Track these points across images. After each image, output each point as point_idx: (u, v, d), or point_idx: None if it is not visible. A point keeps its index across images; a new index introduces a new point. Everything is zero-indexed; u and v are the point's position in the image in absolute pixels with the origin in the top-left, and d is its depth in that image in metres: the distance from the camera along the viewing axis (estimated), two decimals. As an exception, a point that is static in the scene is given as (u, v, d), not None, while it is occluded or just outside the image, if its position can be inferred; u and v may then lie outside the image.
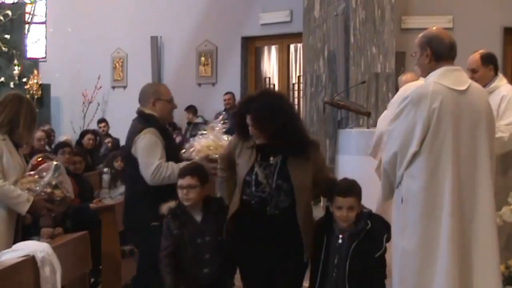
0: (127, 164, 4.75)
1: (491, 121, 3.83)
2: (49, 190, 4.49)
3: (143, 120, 4.51)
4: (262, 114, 3.90)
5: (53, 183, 4.50)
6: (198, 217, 4.15)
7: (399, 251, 3.74)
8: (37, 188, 4.45)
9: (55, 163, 4.62)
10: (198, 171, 4.20)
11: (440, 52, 3.78)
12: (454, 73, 3.77)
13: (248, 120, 3.96)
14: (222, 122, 4.69)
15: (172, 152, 4.53)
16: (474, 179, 3.67)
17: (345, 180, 4.07)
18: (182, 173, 4.19)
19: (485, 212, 3.67)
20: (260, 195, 3.93)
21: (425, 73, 3.87)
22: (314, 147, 4.06)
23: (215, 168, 4.34)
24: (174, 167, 4.35)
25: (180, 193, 4.12)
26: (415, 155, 3.65)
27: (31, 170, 4.58)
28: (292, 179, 3.91)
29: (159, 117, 4.54)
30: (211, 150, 4.53)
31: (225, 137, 4.59)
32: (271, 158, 3.96)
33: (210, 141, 4.58)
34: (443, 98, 3.65)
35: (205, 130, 4.72)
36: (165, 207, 4.15)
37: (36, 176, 4.51)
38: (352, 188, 3.97)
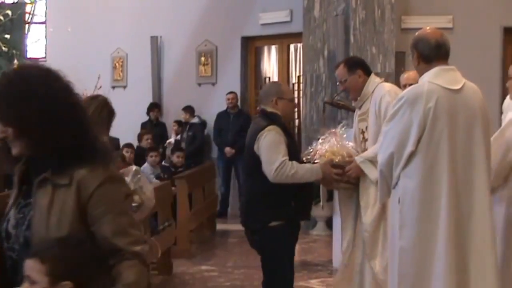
0: (248, 162, 4.62)
1: (487, 119, 3.83)
2: None
3: (266, 118, 4.48)
4: (6, 95, 2.22)
5: (131, 188, 4.35)
6: None
7: (397, 251, 3.74)
8: None
9: (134, 167, 4.52)
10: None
11: (426, 53, 3.79)
12: (448, 73, 3.77)
13: None
14: (343, 126, 4.62)
15: (294, 152, 4.49)
16: (471, 178, 3.68)
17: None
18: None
19: (482, 211, 3.68)
20: (11, 256, 2.27)
21: (419, 74, 3.88)
22: (99, 167, 2.22)
23: (339, 174, 4.29)
24: (298, 167, 4.29)
25: None
26: (412, 155, 3.66)
27: None
28: (32, 228, 2.19)
29: (281, 115, 4.52)
30: (335, 155, 4.43)
31: (349, 142, 4.51)
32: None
33: (334, 146, 4.46)
34: (438, 98, 3.65)
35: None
36: None
37: None
38: (40, 253, 2.10)
